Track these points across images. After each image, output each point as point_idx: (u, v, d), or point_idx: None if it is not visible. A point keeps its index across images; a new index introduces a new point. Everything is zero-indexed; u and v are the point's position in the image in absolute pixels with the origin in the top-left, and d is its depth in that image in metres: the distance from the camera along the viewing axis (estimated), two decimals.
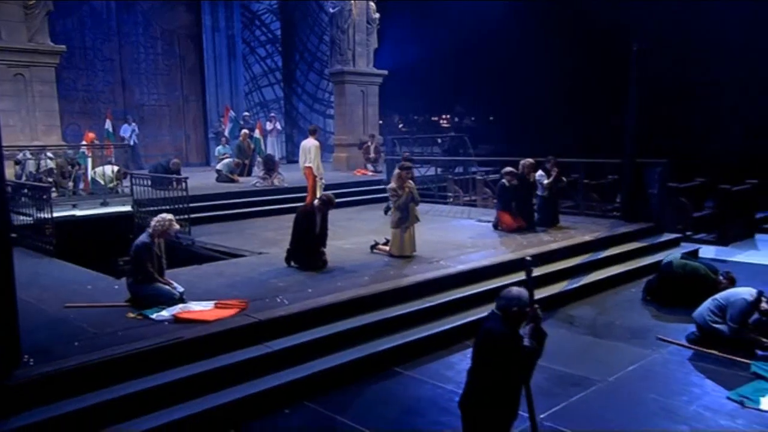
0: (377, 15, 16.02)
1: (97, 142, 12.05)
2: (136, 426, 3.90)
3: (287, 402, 4.49)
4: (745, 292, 5.61)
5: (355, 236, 8.69)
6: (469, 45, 21.52)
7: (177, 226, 5.66)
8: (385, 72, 16.24)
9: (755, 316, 5.75)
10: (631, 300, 7.18)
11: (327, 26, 16.57)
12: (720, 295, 5.70)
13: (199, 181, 12.11)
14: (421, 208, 11.72)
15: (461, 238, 8.62)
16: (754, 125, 17.19)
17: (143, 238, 5.44)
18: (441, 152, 16.13)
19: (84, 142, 11.39)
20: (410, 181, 7.44)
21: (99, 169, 10.76)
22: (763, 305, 5.53)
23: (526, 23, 20.12)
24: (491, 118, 23.98)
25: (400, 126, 24.31)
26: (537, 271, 7.31)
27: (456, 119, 24.07)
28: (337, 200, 12.01)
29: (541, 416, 4.30)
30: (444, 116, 24.64)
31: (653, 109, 16.49)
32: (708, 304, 5.71)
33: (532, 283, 3.52)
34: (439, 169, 14.07)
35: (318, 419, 4.37)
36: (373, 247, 7.68)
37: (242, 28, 18.86)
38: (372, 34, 16.04)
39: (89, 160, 10.68)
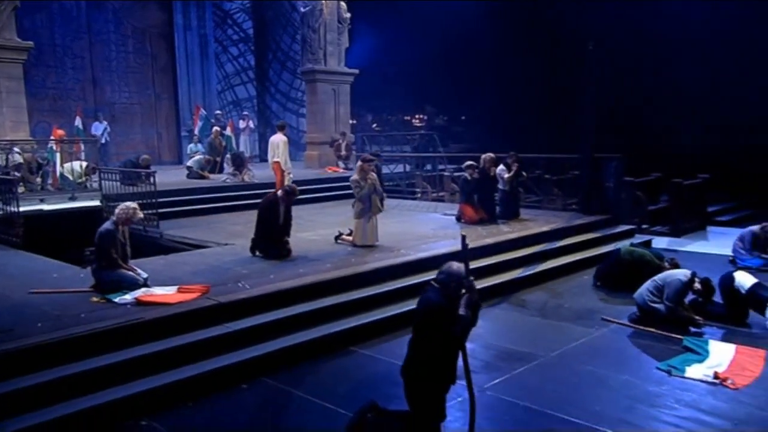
0: (348, 15, 16.25)
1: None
2: (95, 400, 4.07)
3: (245, 378, 4.71)
4: (680, 273, 6.00)
5: (321, 229, 8.90)
6: (442, 46, 21.89)
7: (141, 214, 5.83)
8: (356, 71, 16.48)
9: (691, 296, 6.17)
10: (583, 286, 7.55)
11: (300, 25, 16.74)
12: (658, 277, 6.08)
13: (170, 177, 12.24)
14: (390, 203, 12.04)
15: (424, 229, 8.91)
16: (713, 124, 17.94)
17: (107, 225, 5.60)
18: (411, 150, 16.45)
19: (52, 138, 11.39)
20: (372, 173, 7.72)
21: (67, 165, 10.80)
22: (696, 285, 5.93)
23: (497, 26, 20.59)
24: (463, 117, 24.40)
25: (374, 125, 24.59)
26: (494, 259, 7.78)
27: (425, 118, 24.47)
28: (308, 196, 12.33)
29: (485, 387, 4.62)
30: (417, 116, 25.01)
31: (615, 108, 17.12)
32: (647, 285, 6.08)
33: (467, 257, 3.82)
34: (407, 166, 14.40)
35: (274, 393, 4.59)
36: (338, 237, 7.92)
37: (214, 27, 18.93)
38: (343, 33, 16.26)
39: (57, 156, 10.70)
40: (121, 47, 17.29)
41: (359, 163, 7.73)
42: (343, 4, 16.13)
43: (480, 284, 7.19)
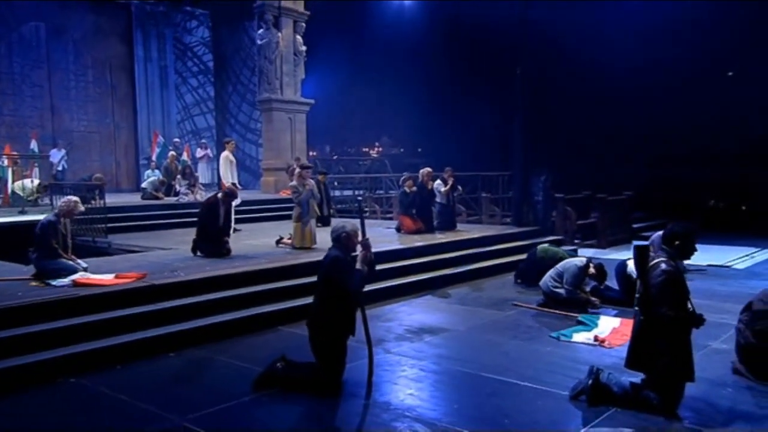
0: (304, 48, 17.12)
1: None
2: (25, 359, 4.41)
3: (173, 348, 5.09)
4: (576, 260, 6.70)
5: (266, 237, 9.36)
6: (399, 82, 23.08)
7: (82, 207, 6.23)
8: (312, 101, 17.24)
9: (592, 284, 6.85)
10: (504, 282, 8.18)
11: (257, 57, 17.50)
12: (559, 264, 6.75)
13: (125, 198, 12.57)
14: (339, 222, 12.53)
15: None
16: (652, 155, 19.58)
17: (49, 216, 5.99)
18: (363, 173, 17.25)
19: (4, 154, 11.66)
20: (310, 180, 8.29)
21: (18, 183, 11.05)
22: (591, 270, 6.61)
23: (454, 63, 21.94)
24: (420, 149, 25.44)
25: (334, 156, 25.41)
26: (426, 258, 8.34)
27: (379, 147, 25.48)
28: (261, 215, 12.75)
29: (392, 350, 5.12)
30: (375, 147, 25.97)
31: (567, 136, 18.44)
32: (550, 272, 6.74)
33: (362, 219, 4.40)
34: (358, 192, 15.13)
35: (199, 359, 4.98)
36: (278, 241, 8.41)
37: (175, 60, 19.57)
38: (299, 65, 17.09)
39: (9, 172, 10.96)
40: (81, 77, 17.72)
41: (297, 170, 8.31)
42: (299, 37, 17.02)
43: (410, 279, 7.80)
